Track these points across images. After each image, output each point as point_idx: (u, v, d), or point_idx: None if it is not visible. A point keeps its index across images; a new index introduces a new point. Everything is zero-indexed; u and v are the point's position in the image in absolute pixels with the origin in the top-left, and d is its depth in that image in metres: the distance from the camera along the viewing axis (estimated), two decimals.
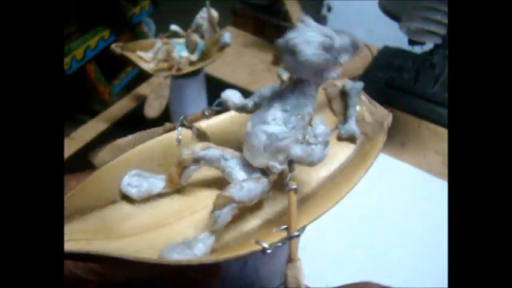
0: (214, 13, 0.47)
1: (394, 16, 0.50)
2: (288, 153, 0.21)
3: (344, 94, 0.27)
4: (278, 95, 0.21)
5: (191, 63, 0.47)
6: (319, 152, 0.21)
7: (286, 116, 0.20)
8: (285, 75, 0.48)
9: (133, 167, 0.23)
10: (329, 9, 0.76)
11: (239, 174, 0.22)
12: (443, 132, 0.56)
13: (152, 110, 0.46)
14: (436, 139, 0.55)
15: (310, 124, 0.21)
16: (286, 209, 0.21)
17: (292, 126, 0.20)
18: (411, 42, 0.51)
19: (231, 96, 0.24)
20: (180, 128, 0.24)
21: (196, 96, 0.52)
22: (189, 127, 0.24)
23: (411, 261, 0.42)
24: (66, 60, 0.54)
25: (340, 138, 0.26)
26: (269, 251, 0.20)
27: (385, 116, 0.26)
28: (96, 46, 0.60)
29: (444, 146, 0.54)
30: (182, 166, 0.23)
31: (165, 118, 0.41)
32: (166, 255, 0.19)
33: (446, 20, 0.44)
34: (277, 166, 0.21)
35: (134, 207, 0.23)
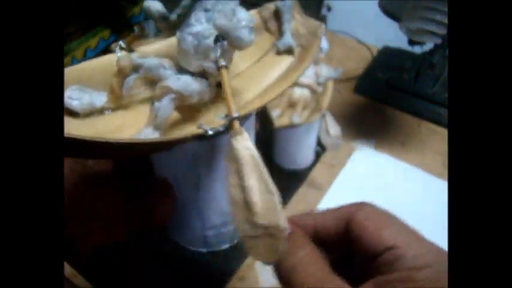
0: None
1: (394, 16, 0.50)
2: (214, 24, 0.21)
3: (277, 13, 0.28)
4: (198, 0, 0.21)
5: None
6: (246, 34, 0.21)
7: (209, 15, 0.21)
8: None
9: (73, 84, 0.23)
10: (329, 9, 0.76)
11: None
12: (443, 132, 0.56)
13: None
14: (436, 139, 0.55)
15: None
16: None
17: (216, 22, 0.21)
18: (411, 42, 0.51)
19: (152, 4, 0.24)
20: (118, 51, 0.24)
21: None
22: (129, 50, 0.24)
23: None
24: (66, 60, 0.54)
25: (278, 53, 0.27)
26: (210, 132, 0.20)
27: (318, 26, 0.28)
28: (96, 46, 0.60)
29: (444, 146, 0.54)
30: (122, 75, 0.22)
31: None
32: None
33: (446, 20, 0.44)
34: (212, 65, 0.22)
35: (77, 121, 0.22)
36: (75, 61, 0.55)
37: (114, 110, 0.23)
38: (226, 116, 0.20)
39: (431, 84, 0.60)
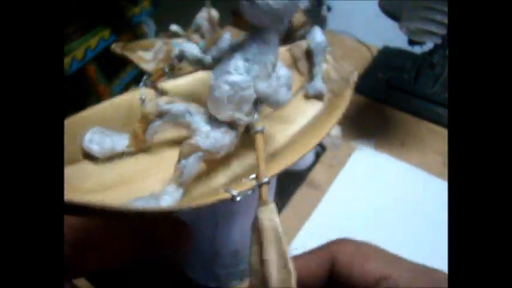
0: (214, 13, 0.47)
1: (394, 16, 0.50)
2: (255, 89, 0.20)
3: (309, 54, 0.26)
4: (238, 46, 0.20)
5: None
6: (284, 93, 0.21)
7: (248, 65, 0.20)
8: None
9: (94, 126, 0.22)
10: (329, 9, 0.76)
11: (205, 128, 0.21)
12: (443, 132, 0.56)
13: None
14: (436, 139, 0.55)
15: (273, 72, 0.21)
16: (254, 165, 0.20)
17: (255, 74, 0.20)
18: (411, 42, 0.51)
19: (189, 48, 0.23)
20: (143, 88, 0.23)
21: None
22: (153, 87, 0.23)
23: None
24: (66, 60, 0.54)
25: (307, 97, 0.26)
26: (238, 199, 0.19)
27: (351, 72, 0.26)
28: (96, 46, 0.60)
29: (444, 146, 0.54)
30: (146, 121, 0.22)
31: None
32: (130, 205, 0.18)
33: (446, 20, 0.44)
34: (243, 118, 0.21)
35: (97, 166, 0.21)
36: (75, 61, 0.55)
37: (134, 153, 0.22)
38: (255, 177, 0.19)
39: (431, 84, 0.60)
